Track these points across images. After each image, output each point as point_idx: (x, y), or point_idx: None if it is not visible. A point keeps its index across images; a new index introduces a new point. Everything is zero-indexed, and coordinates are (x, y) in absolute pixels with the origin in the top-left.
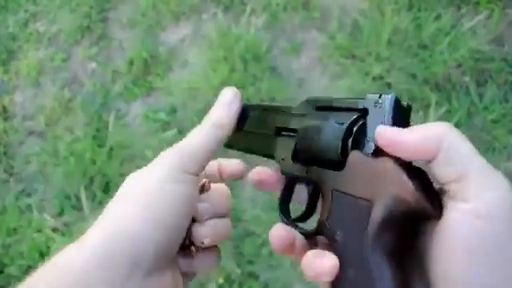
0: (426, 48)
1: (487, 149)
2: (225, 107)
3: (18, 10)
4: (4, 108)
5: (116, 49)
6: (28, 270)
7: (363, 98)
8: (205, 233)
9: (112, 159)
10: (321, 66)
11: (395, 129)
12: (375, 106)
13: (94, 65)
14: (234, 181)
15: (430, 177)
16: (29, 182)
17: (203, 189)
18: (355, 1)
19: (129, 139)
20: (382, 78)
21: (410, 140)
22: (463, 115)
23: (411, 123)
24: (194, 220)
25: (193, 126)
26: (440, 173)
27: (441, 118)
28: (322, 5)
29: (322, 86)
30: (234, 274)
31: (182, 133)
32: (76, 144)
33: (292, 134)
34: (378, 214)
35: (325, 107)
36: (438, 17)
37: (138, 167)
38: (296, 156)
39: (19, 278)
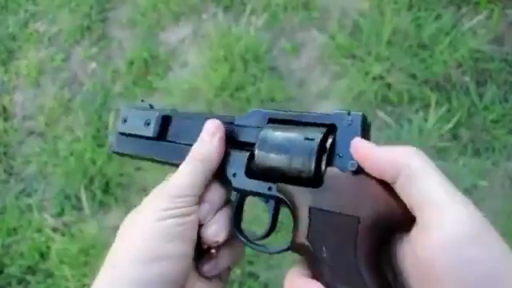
0: (426, 48)
1: (487, 149)
2: (206, 140)
3: (18, 10)
4: (4, 108)
5: (116, 49)
6: (28, 270)
7: (327, 114)
8: (214, 232)
9: (112, 159)
10: (321, 66)
11: (369, 143)
12: (345, 123)
13: (94, 65)
14: None
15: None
16: (29, 182)
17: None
18: (355, 1)
19: None
20: (382, 78)
21: (381, 157)
22: (463, 115)
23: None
24: (200, 225)
25: None
26: (401, 196)
27: (441, 118)
28: (321, 5)
29: (322, 86)
30: (233, 274)
31: None
32: (76, 144)
33: (245, 147)
34: (366, 229)
35: (280, 120)
36: (438, 17)
37: (138, 167)
38: (252, 171)
39: (19, 278)
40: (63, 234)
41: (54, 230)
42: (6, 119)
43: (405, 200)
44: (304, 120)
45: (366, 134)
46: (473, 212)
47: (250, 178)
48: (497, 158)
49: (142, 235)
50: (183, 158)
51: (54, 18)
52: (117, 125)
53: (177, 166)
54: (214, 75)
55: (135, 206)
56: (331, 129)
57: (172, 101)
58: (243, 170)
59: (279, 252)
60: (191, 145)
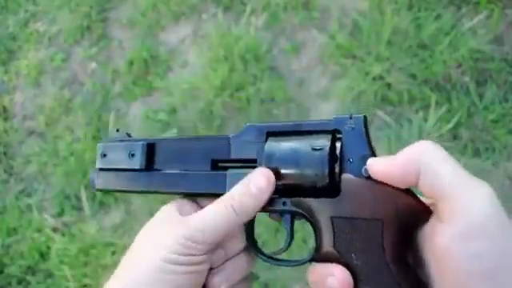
0: (426, 48)
1: (487, 149)
2: (254, 194)
3: (18, 10)
4: (4, 108)
5: (116, 49)
6: (28, 270)
7: (327, 120)
8: (219, 281)
9: None
10: (321, 66)
11: (382, 160)
12: (348, 128)
13: (94, 65)
14: None
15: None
16: (29, 182)
17: None
18: (355, 1)
19: None
20: (382, 78)
21: (394, 171)
22: (463, 115)
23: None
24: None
25: (193, 126)
26: (424, 193)
27: (441, 118)
28: (321, 5)
29: (322, 86)
30: None
31: (181, 133)
32: (76, 144)
33: (246, 164)
34: (391, 230)
35: (279, 133)
36: (438, 17)
37: None
38: None
39: (19, 278)
40: (63, 234)
41: (54, 230)
42: (6, 119)
43: (427, 195)
44: (305, 129)
45: (368, 134)
46: (484, 203)
47: None
48: (497, 158)
49: (148, 271)
50: (177, 187)
51: (54, 18)
52: (97, 161)
53: (172, 194)
54: (213, 75)
55: (135, 206)
56: (335, 135)
57: (172, 101)
58: None
59: (302, 264)
60: (185, 173)
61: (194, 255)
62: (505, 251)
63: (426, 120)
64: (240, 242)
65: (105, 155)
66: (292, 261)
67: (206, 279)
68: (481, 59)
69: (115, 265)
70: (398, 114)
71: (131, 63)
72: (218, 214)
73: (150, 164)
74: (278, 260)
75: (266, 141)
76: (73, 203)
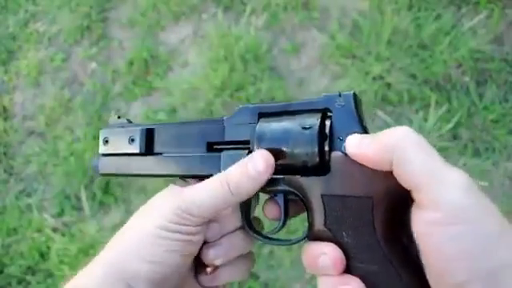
0: (426, 48)
1: (487, 149)
2: (252, 175)
3: (18, 10)
4: (4, 108)
5: (116, 49)
6: (28, 270)
7: (317, 99)
8: (214, 255)
9: None
10: (321, 66)
11: (358, 138)
12: (338, 106)
13: (94, 65)
14: None
15: None
16: (29, 182)
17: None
18: (355, 1)
19: None
20: (382, 77)
21: (368, 155)
22: (463, 115)
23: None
24: (205, 241)
25: None
26: (398, 181)
27: (441, 118)
28: (321, 5)
29: (321, 86)
30: None
31: None
32: (76, 144)
33: (239, 146)
34: (381, 207)
35: (271, 113)
36: (438, 17)
37: None
38: None
39: (19, 278)
40: (63, 234)
41: (54, 230)
42: (6, 119)
43: (401, 182)
44: (295, 108)
45: (359, 112)
46: (458, 189)
47: None
48: (497, 158)
49: (142, 236)
50: (177, 169)
51: (54, 18)
52: (99, 147)
53: (170, 176)
54: (213, 75)
55: (135, 206)
56: (325, 113)
57: (172, 101)
58: None
59: (296, 242)
60: (182, 156)
61: (189, 225)
62: (483, 233)
63: (426, 120)
64: (236, 220)
65: (107, 141)
66: (286, 240)
67: (202, 252)
68: (481, 59)
69: None
70: (398, 114)
71: (131, 63)
72: (213, 191)
73: (149, 148)
74: (272, 239)
75: (257, 122)
76: (73, 203)
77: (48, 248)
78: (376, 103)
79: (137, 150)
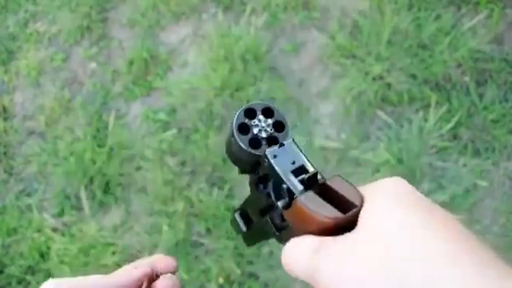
0: (426, 48)
1: (487, 149)
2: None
3: (18, 10)
4: (4, 108)
5: (116, 49)
6: (28, 270)
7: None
8: None
9: (112, 159)
10: (321, 66)
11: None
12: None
13: (94, 65)
14: (236, 181)
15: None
16: (29, 182)
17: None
18: (355, 1)
19: (129, 139)
20: (382, 78)
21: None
22: (463, 115)
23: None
24: None
25: (193, 125)
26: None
27: (441, 118)
28: (321, 5)
29: (322, 86)
30: (233, 274)
31: (181, 133)
32: (76, 144)
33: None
34: None
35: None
36: (438, 17)
37: (138, 167)
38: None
39: (19, 278)
40: (63, 234)
41: (54, 230)
42: (5, 119)
43: None
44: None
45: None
46: (384, 198)
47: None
48: (497, 158)
49: None
50: None
51: (54, 18)
52: None
53: None
54: (213, 75)
55: (135, 206)
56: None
57: (172, 101)
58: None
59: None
60: None
61: None
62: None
63: (426, 120)
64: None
65: None
66: None
67: None
68: (481, 59)
69: (115, 265)
70: (398, 114)
71: (131, 63)
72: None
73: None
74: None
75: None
76: (73, 203)
77: (48, 248)
78: (376, 103)
79: None
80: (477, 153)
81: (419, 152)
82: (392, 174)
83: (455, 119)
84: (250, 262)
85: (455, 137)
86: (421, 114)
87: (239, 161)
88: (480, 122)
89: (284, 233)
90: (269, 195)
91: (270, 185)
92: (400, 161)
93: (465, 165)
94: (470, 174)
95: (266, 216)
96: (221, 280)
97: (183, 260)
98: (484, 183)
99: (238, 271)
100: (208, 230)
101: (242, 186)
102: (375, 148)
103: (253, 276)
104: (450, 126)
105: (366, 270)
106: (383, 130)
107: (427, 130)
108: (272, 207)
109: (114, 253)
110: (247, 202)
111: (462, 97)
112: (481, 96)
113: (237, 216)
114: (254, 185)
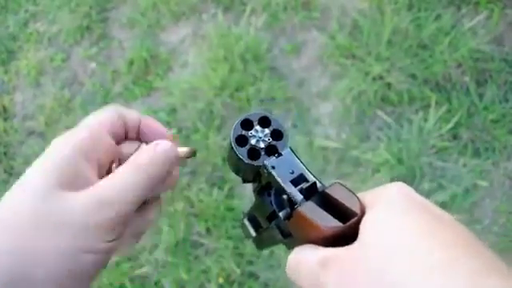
0: (426, 48)
1: (487, 149)
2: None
3: (18, 10)
4: (4, 108)
5: (116, 49)
6: None
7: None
8: None
9: None
10: (321, 66)
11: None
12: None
13: (94, 65)
14: (236, 181)
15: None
16: None
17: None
18: (355, 1)
19: None
20: (382, 78)
21: None
22: (463, 115)
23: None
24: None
25: (193, 125)
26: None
27: (441, 118)
28: (321, 5)
29: (321, 86)
30: (233, 274)
31: (181, 133)
32: None
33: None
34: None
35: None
36: (438, 17)
37: None
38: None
39: None
40: None
41: None
42: (6, 119)
43: None
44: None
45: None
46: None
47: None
48: (497, 158)
49: (15, 216)
50: None
51: (54, 18)
52: None
53: None
54: (213, 75)
55: None
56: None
57: (172, 101)
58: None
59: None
60: None
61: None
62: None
63: (426, 120)
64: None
65: None
66: None
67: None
68: (481, 59)
69: (115, 265)
70: (398, 114)
71: (131, 63)
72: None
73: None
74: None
75: None
76: None
77: None
78: (376, 103)
79: None
80: (477, 153)
81: (419, 152)
82: (392, 174)
83: (455, 119)
84: (250, 262)
85: (455, 137)
86: (421, 114)
87: (240, 172)
88: (480, 122)
89: (290, 239)
90: (272, 203)
91: (273, 193)
92: (400, 161)
93: (465, 165)
94: (469, 174)
95: (273, 222)
96: (221, 280)
97: (183, 260)
98: (484, 183)
99: (238, 271)
100: (208, 230)
101: (242, 186)
102: (375, 148)
103: (253, 276)
104: (449, 126)
105: (368, 285)
106: (383, 130)
107: (427, 130)
108: (276, 214)
109: None
110: (253, 208)
111: (462, 97)
112: (481, 96)
113: (245, 221)
114: (258, 193)
